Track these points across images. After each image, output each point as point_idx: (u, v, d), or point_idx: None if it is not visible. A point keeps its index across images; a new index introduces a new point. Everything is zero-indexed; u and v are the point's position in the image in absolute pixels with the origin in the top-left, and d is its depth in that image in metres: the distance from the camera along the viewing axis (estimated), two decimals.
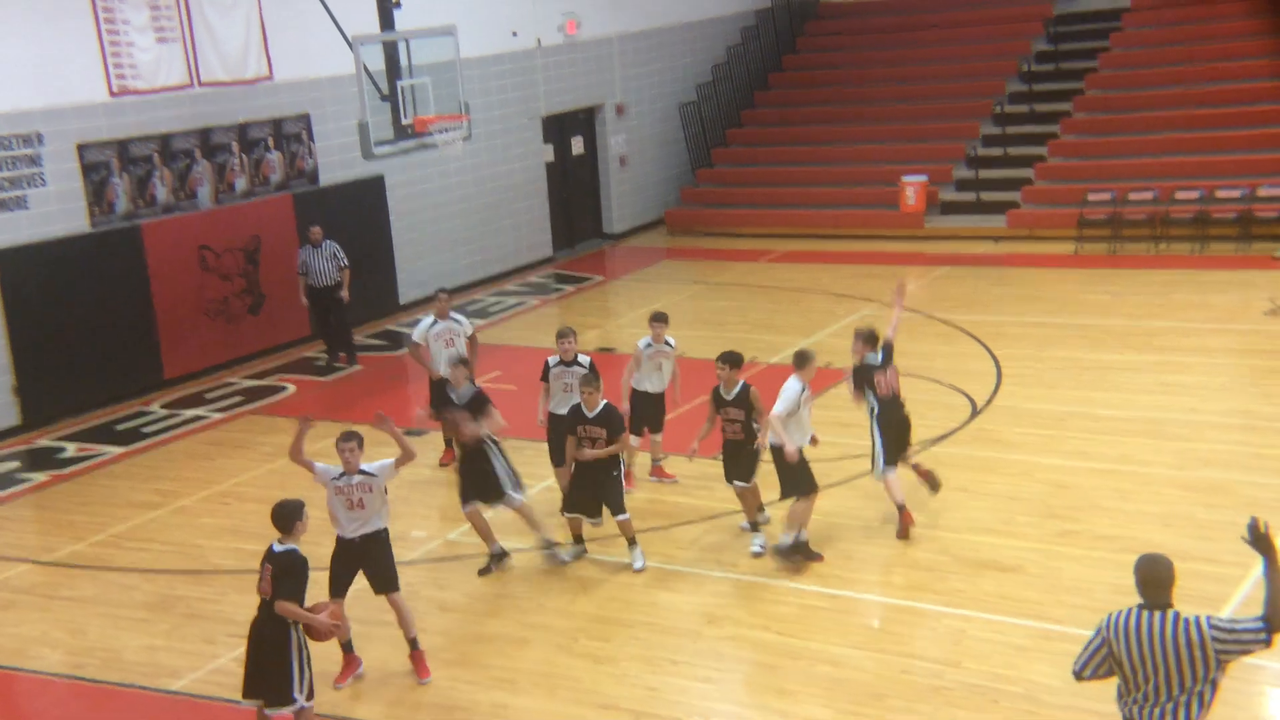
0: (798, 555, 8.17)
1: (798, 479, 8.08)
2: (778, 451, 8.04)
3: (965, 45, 20.73)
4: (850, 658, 7.10)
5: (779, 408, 7.98)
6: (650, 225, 20.51)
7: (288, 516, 6.46)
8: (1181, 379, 11.14)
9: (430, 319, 10.35)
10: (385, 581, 7.24)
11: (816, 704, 6.67)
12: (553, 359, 9.12)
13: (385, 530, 7.24)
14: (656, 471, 9.81)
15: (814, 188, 19.62)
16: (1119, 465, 9.38)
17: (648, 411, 9.58)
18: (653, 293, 16.37)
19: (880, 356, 8.51)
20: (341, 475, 7.14)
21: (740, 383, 8.36)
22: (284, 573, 6.30)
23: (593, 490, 8.32)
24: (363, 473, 7.12)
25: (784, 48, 22.39)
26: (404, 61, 12.99)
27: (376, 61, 12.81)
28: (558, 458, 9.06)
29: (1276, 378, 11.19)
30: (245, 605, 8.28)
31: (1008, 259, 16.62)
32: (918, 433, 10.23)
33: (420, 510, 9.83)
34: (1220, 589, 7.41)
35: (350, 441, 7.17)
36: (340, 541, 7.24)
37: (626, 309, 15.79)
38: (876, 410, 8.48)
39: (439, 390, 9.47)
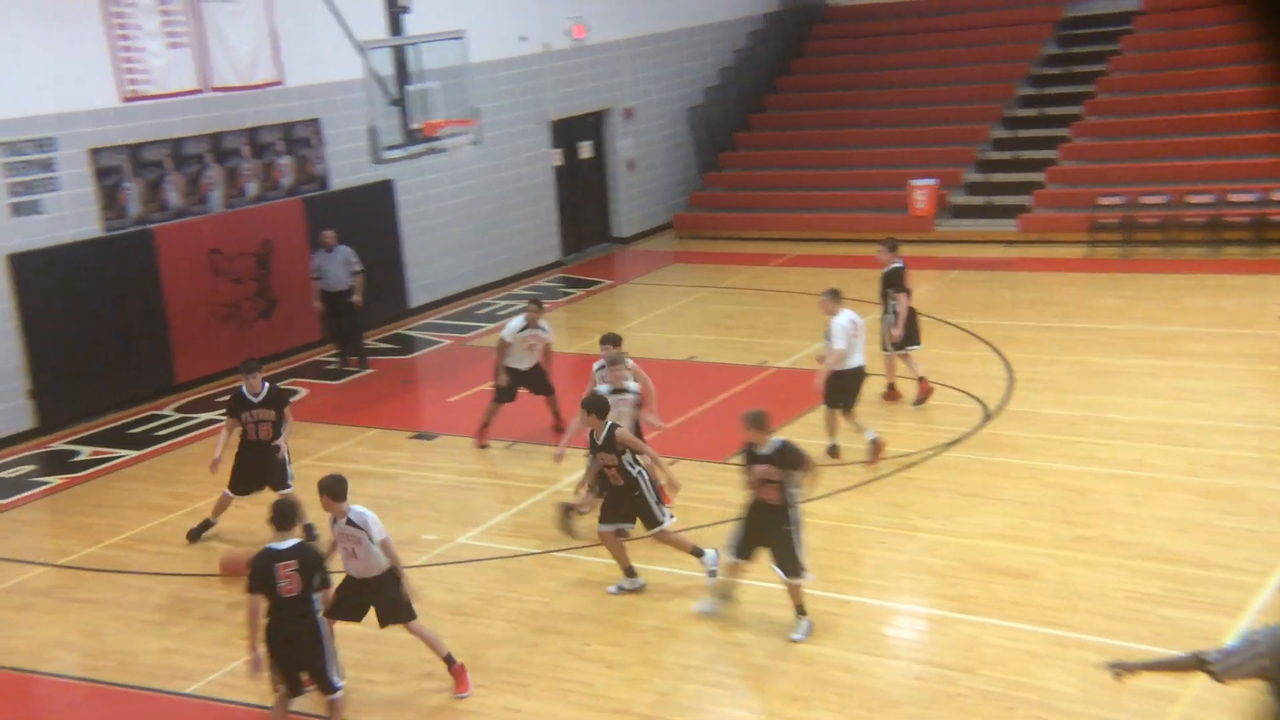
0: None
1: None
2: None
3: (975, 48, 20.71)
4: (862, 664, 7.10)
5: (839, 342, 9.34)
6: (659, 229, 20.52)
7: (290, 514, 6.50)
8: (1194, 384, 11.12)
9: (521, 321, 10.90)
10: (395, 614, 7.08)
11: (829, 710, 6.67)
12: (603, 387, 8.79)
13: (390, 571, 6.99)
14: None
15: (823, 191, 19.61)
16: (1132, 470, 9.36)
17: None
18: (661, 297, 16.38)
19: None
20: (335, 522, 6.94)
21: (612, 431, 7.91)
22: (310, 566, 6.34)
23: (762, 537, 7.41)
24: (350, 524, 6.89)
25: (792, 51, 22.40)
26: (413, 66, 13.03)
27: (386, 66, 12.86)
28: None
29: None
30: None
31: (1019, 263, 16.60)
32: (927, 439, 10.28)
33: (430, 514, 9.85)
34: (1236, 595, 7.39)
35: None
36: (347, 576, 7.12)
37: (635, 313, 15.81)
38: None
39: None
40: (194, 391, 13.62)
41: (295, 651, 6.42)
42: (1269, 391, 11.02)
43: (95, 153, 12.77)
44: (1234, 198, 16.19)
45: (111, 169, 12.95)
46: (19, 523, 10.33)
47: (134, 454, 11.75)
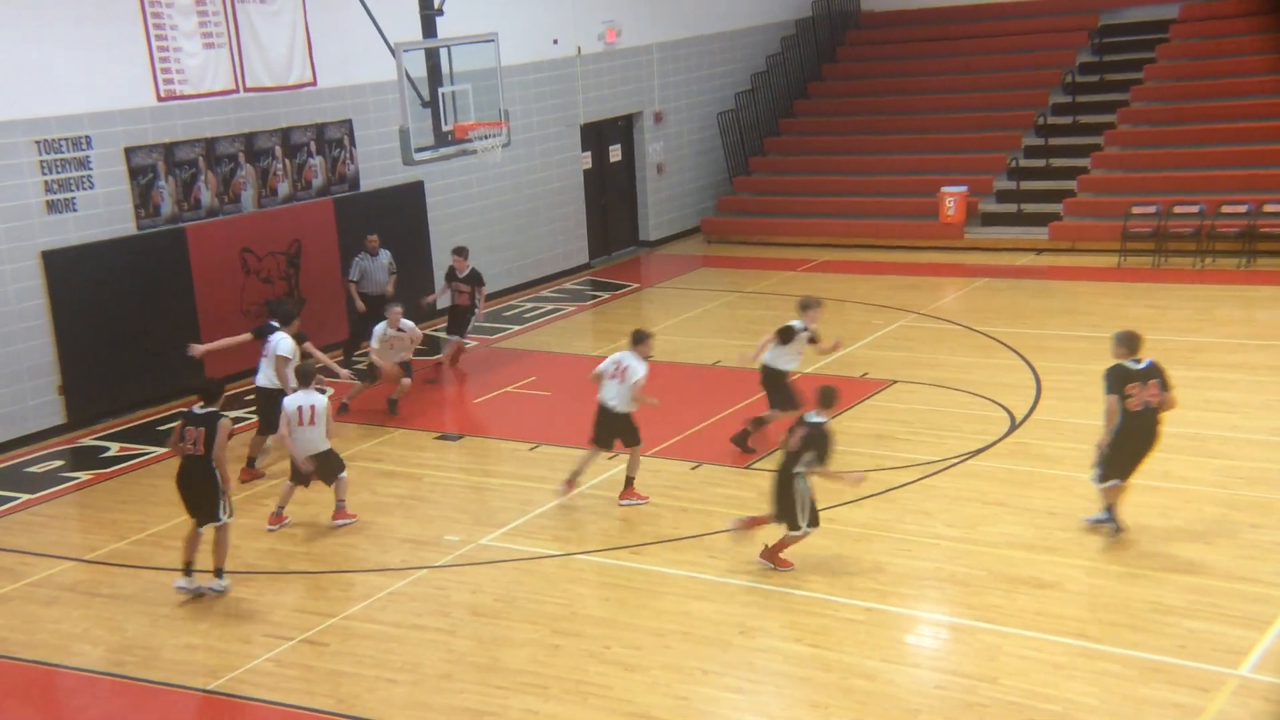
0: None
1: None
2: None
3: (1008, 55, 20.56)
4: (884, 671, 7.04)
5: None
6: (687, 233, 20.50)
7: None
8: (1224, 395, 10.96)
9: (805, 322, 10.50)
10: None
11: (848, 716, 6.62)
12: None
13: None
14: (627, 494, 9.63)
15: (852, 197, 19.52)
16: (1160, 482, 9.23)
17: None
18: (689, 300, 16.36)
19: (1144, 364, 8.29)
20: None
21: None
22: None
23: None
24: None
25: (824, 57, 22.32)
26: (445, 69, 13.10)
27: (419, 68, 12.93)
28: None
29: None
30: (280, 606, 8.40)
31: (1049, 271, 16.44)
32: (952, 447, 10.18)
33: (452, 514, 9.88)
34: (1265, 609, 7.27)
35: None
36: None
37: (663, 316, 15.79)
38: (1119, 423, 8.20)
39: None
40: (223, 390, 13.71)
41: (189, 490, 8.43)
42: None
43: (130, 151, 12.92)
44: (1269, 209, 15.95)
45: (145, 168, 13.10)
46: (48, 517, 10.46)
47: (162, 451, 11.86)
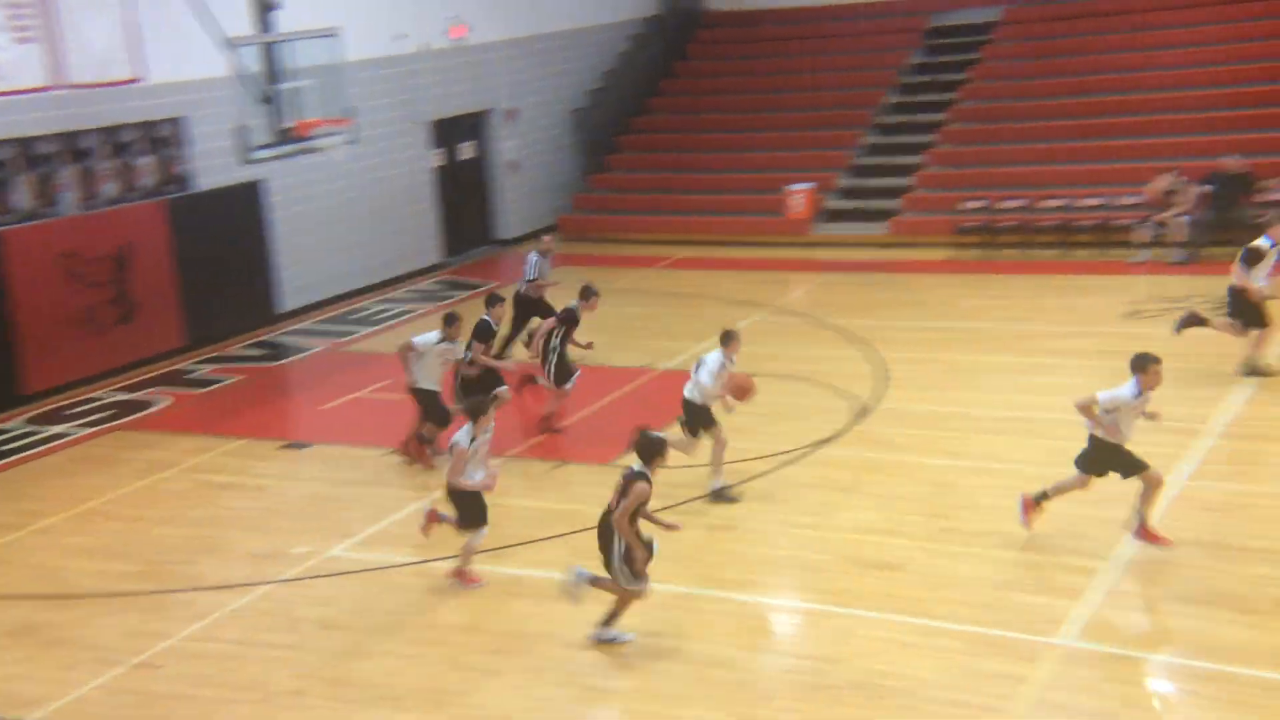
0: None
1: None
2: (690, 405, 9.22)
3: (847, 55, 21.18)
4: (740, 660, 7.12)
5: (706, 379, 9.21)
6: (544, 231, 20.35)
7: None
8: (1049, 380, 11.56)
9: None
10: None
11: (708, 708, 6.66)
12: None
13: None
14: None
15: (705, 195, 19.79)
16: (995, 464, 9.66)
17: None
18: (546, 299, 16.24)
19: None
20: None
21: None
22: None
23: None
24: None
25: (676, 55, 22.56)
26: (285, 64, 12.63)
27: (257, 64, 12.43)
28: None
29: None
30: (110, 629, 7.92)
31: (891, 265, 17.04)
32: (802, 437, 10.42)
33: (300, 526, 9.52)
34: (1080, 580, 7.69)
35: None
36: None
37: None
38: None
39: None
40: (46, 402, 12.89)
41: None
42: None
43: None
44: (1082, 202, 16.94)
45: None
46: None
47: None
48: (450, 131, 18.63)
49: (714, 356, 9.39)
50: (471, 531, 8.11)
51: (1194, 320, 11.28)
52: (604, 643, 7.31)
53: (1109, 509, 8.32)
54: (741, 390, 9.31)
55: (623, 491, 7.10)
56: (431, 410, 10.26)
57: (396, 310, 16.19)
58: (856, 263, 17.18)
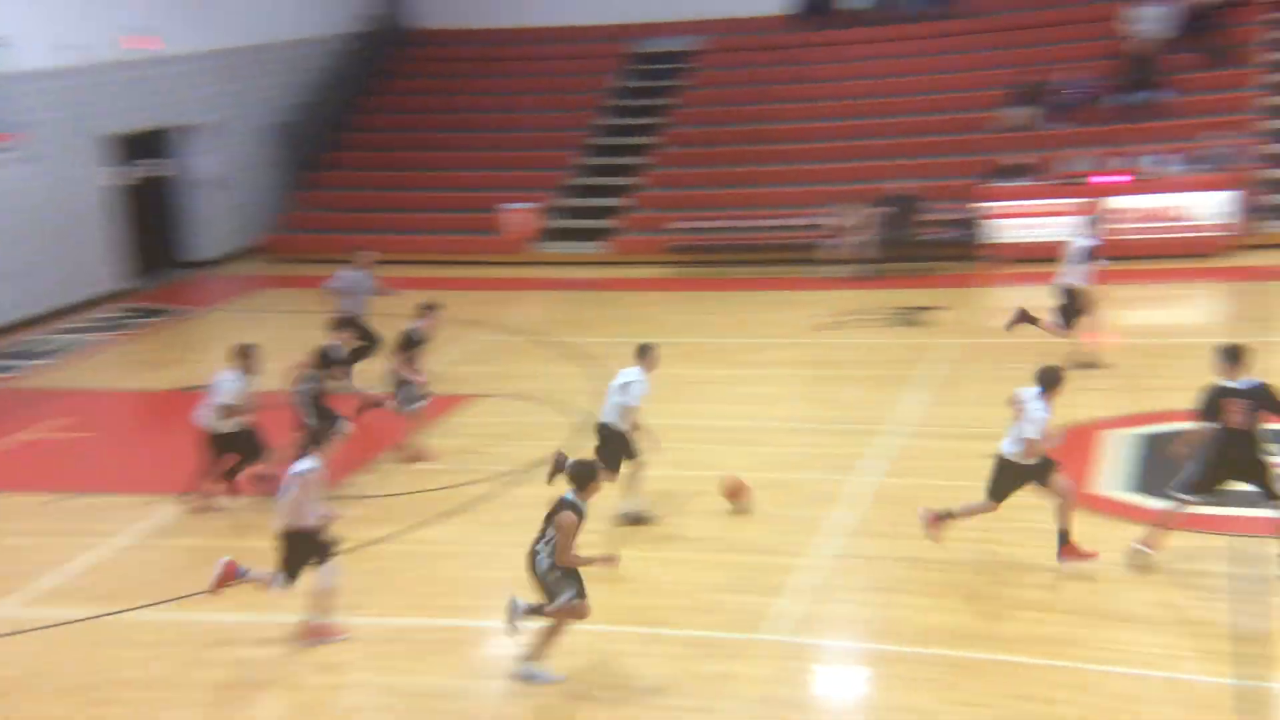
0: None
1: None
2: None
3: (556, 78, 21.58)
4: (465, 689, 7.10)
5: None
6: (248, 252, 19.35)
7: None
8: (752, 390, 12.37)
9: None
10: None
11: None
12: None
13: None
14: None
15: (419, 213, 19.55)
16: (708, 471, 10.15)
17: None
18: (249, 324, 15.40)
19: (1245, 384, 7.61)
20: None
21: None
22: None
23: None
24: None
25: (381, 72, 22.12)
26: None
27: None
28: None
29: (824, 385, 12.72)
30: None
31: (608, 283, 17.57)
32: (528, 455, 10.51)
33: None
34: (779, 578, 8.22)
35: None
36: None
37: (218, 343, 14.74)
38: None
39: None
40: None
41: None
42: (807, 395, 12.51)
43: None
44: (781, 223, 18.23)
45: None
46: None
47: None
48: (135, 148, 17.34)
49: (636, 372, 9.01)
50: (291, 580, 7.39)
51: (1024, 318, 12.03)
52: (528, 680, 6.97)
53: (814, 508, 9.00)
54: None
55: (554, 525, 6.78)
56: (249, 446, 9.56)
57: (74, 340, 14.81)
58: (576, 281, 17.58)
